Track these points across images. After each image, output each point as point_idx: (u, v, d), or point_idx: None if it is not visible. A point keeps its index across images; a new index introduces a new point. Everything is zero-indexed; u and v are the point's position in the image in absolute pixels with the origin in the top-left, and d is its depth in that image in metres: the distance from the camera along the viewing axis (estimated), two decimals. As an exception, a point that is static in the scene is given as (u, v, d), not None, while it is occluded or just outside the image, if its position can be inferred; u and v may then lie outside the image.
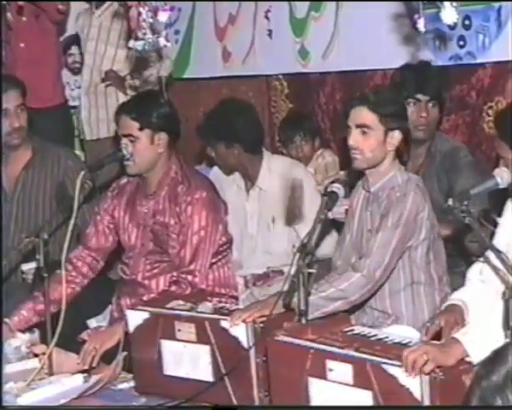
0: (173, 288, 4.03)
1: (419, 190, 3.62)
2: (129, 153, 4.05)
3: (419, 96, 4.26)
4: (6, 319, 3.93)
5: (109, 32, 5.87)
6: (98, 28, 5.88)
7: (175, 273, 4.06)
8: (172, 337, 3.55)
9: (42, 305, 3.90)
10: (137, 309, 3.71)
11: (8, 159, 4.67)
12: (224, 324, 3.41)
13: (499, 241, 3.36)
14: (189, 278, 4.01)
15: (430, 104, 4.29)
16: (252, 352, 3.37)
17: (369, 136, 3.64)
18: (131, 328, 3.68)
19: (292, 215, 4.54)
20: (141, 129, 4.04)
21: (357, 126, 3.66)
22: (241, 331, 3.37)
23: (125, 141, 4.07)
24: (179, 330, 3.53)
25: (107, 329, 3.98)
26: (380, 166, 3.68)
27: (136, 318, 3.66)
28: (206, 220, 4.03)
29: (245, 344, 3.37)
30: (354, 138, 3.66)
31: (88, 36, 5.93)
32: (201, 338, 3.48)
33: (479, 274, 3.42)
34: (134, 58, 5.58)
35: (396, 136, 3.66)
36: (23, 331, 4.05)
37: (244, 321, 3.36)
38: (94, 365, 3.80)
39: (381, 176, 3.69)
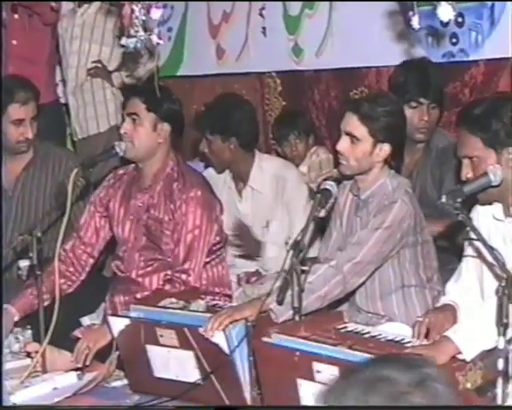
0: (167, 286, 4.02)
1: (407, 198, 3.61)
2: (129, 136, 4.04)
3: (421, 99, 4.26)
4: (6, 305, 3.92)
5: (93, 29, 5.86)
6: (81, 27, 5.88)
7: (169, 272, 4.05)
8: (156, 343, 3.56)
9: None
10: (118, 316, 3.73)
11: (9, 158, 4.69)
12: (202, 331, 3.41)
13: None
14: (183, 276, 4.01)
15: (431, 107, 4.29)
16: (238, 353, 3.37)
17: (356, 145, 3.63)
18: (115, 333, 3.68)
19: None
20: (148, 110, 4.05)
21: (347, 134, 3.65)
22: (220, 338, 3.37)
23: (127, 120, 4.07)
24: (161, 336, 3.54)
25: (100, 327, 3.96)
26: (368, 175, 3.67)
27: (118, 324, 3.67)
28: (200, 219, 4.02)
29: (226, 350, 3.37)
30: (342, 145, 3.66)
31: (72, 35, 5.93)
32: (184, 344, 3.48)
33: (465, 272, 3.43)
34: (121, 54, 5.57)
35: (385, 149, 3.64)
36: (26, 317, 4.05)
37: (221, 326, 3.37)
38: (87, 363, 3.80)
39: (371, 184, 3.68)
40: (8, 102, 4.56)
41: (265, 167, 4.62)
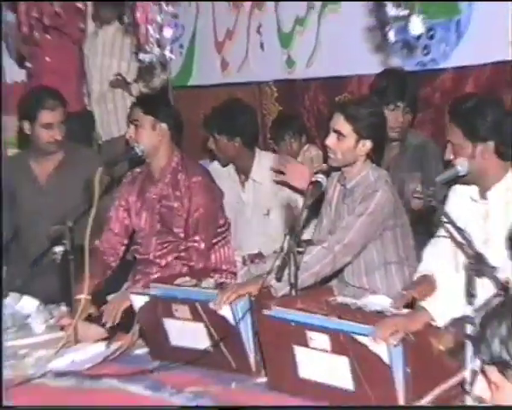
0: (183, 254, 4.05)
1: (387, 187, 3.60)
2: (133, 140, 4.08)
3: (398, 103, 4.25)
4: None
5: (112, 46, 5.86)
6: (103, 45, 5.88)
7: (182, 248, 4.08)
8: (172, 316, 3.56)
9: None
10: (138, 293, 3.71)
11: (42, 158, 4.68)
12: (212, 305, 3.40)
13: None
14: (196, 245, 4.04)
15: (406, 110, 4.28)
16: (243, 324, 3.37)
17: (342, 141, 3.62)
18: (136, 308, 3.68)
19: None
20: (145, 114, 4.08)
21: (334, 131, 3.65)
22: (227, 311, 3.37)
23: (131, 127, 4.12)
24: (176, 310, 3.53)
25: (124, 292, 3.99)
26: (353, 167, 3.66)
27: (138, 300, 3.66)
28: (203, 199, 4.05)
29: (232, 321, 3.37)
30: (330, 140, 3.65)
31: (95, 52, 5.92)
32: (196, 317, 3.48)
33: (433, 249, 3.43)
34: (137, 68, 5.57)
35: (367, 144, 3.63)
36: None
37: (229, 301, 3.36)
38: (116, 321, 3.81)
39: (355, 175, 3.67)
40: (39, 108, 4.55)
41: (264, 163, 4.61)
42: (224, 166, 4.72)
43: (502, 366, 1.85)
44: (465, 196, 3.37)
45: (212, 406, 3.13)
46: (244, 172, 4.66)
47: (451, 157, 3.30)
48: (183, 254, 4.07)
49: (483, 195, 3.30)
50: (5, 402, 3.20)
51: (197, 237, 4.04)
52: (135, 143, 4.08)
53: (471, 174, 3.28)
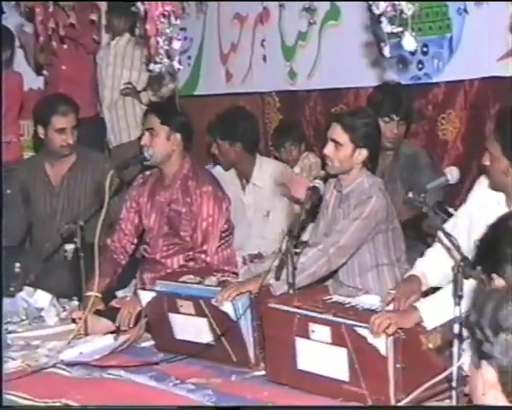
0: (190, 264, 4.06)
1: (381, 194, 3.61)
2: (148, 147, 4.05)
3: (393, 115, 4.26)
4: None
5: (123, 57, 5.88)
6: (114, 56, 5.90)
7: (191, 253, 4.07)
8: (177, 311, 3.56)
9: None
10: (146, 289, 3.74)
11: (56, 161, 4.69)
12: (214, 302, 3.41)
13: (457, 223, 3.36)
14: (202, 256, 4.03)
15: (400, 123, 4.30)
16: (244, 320, 3.38)
17: (339, 150, 3.63)
18: (144, 304, 3.70)
19: None
20: (162, 124, 4.06)
21: (332, 140, 3.66)
22: (228, 307, 3.38)
23: (146, 134, 4.09)
24: (181, 306, 3.54)
25: (134, 296, 3.98)
26: (349, 174, 3.68)
27: (146, 296, 3.68)
28: (212, 209, 4.03)
29: (233, 317, 3.38)
30: (328, 149, 3.67)
31: (107, 62, 5.95)
32: (199, 313, 3.49)
33: (436, 252, 3.43)
34: (147, 77, 5.59)
35: (363, 153, 3.64)
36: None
37: (230, 298, 3.37)
38: (131, 325, 3.81)
39: (351, 181, 3.68)
40: (52, 113, 4.57)
41: (265, 168, 4.63)
42: (227, 170, 4.73)
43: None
44: (492, 197, 3.29)
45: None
46: (245, 177, 4.67)
47: (487, 163, 3.18)
48: (191, 263, 4.07)
49: (508, 204, 3.24)
50: (12, 392, 3.22)
51: (205, 247, 4.02)
52: (149, 150, 4.06)
53: (500, 187, 3.19)
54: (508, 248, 2.28)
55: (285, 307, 3.19)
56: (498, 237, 2.31)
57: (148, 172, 4.28)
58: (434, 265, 3.34)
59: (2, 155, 5.83)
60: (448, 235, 3.05)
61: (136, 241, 4.28)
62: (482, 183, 3.35)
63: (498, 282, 2.25)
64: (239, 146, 4.57)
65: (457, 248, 2.95)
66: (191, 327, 3.53)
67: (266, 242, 4.56)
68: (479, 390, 1.64)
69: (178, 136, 4.10)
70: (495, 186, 3.25)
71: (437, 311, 3.04)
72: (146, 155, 4.09)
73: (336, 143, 3.63)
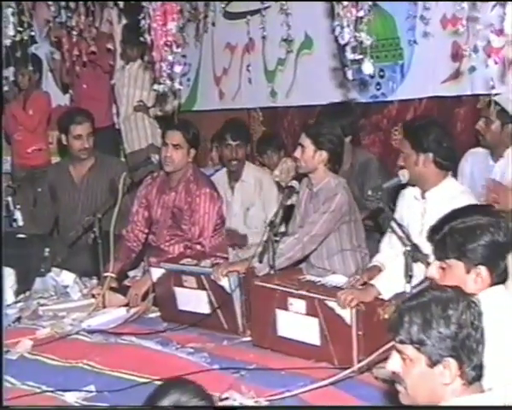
0: (188, 252, 4.03)
1: (345, 191, 3.61)
2: (169, 158, 4.00)
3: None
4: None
5: (136, 79, 5.85)
6: (128, 78, 5.87)
7: (189, 243, 4.06)
8: (181, 285, 3.56)
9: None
10: (157, 267, 3.72)
11: (77, 163, 4.66)
12: (213, 277, 3.42)
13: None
14: (198, 247, 4.02)
15: (347, 140, 4.21)
16: (235, 294, 3.38)
17: (304, 152, 3.64)
18: (154, 279, 3.69)
19: None
20: (187, 142, 4.03)
21: (299, 144, 3.67)
22: (224, 282, 3.39)
23: (171, 148, 4.02)
24: (185, 281, 3.54)
25: (142, 278, 3.97)
26: (316, 174, 3.66)
27: (156, 272, 3.68)
28: (208, 208, 4.02)
29: (228, 290, 3.38)
30: (296, 152, 3.69)
31: (122, 83, 5.93)
32: (200, 286, 3.49)
33: (388, 243, 3.44)
34: (154, 96, 5.57)
35: (323, 155, 3.63)
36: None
37: (222, 274, 3.37)
38: (138, 304, 3.79)
39: (319, 181, 3.67)
40: (70, 123, 4.56)
41: (250, 171, 4.63)
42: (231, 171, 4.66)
43: (418, 343, 1.79)
44: (410, 195, 3.35)
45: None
46: (235, 177, 4.66)
47: (402, 163, 3.27)
48: (188, 251, 4.05)
49: (423, 195, 3.31)
50: (43, 354, 3.18)
51: (201, 239, 4.01)
52: (172, 163, 4.00)
53: (415, 178, 3.26)
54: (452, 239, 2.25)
55: (268, 285, 3.20)
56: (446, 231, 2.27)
57: (155, 174, 4.26)
58: (389, 255, 3.36)
59: (34, 160, 5.89)
60: (400, 225, 3.07)
61: (146, 231, 4.24)
62: (401, 194, 3.40)
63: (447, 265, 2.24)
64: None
65: (407, 236, 2.97)
66: (193, 299, 3.52)
67: (250, 231, 4.55)
68: None
69: (193, 150, 4.08)
70: (412, 179, 3.28)
71: (390, 284, 3.06)
72: (153, 159, 4.09)
73: (302, 146, 3.65)
